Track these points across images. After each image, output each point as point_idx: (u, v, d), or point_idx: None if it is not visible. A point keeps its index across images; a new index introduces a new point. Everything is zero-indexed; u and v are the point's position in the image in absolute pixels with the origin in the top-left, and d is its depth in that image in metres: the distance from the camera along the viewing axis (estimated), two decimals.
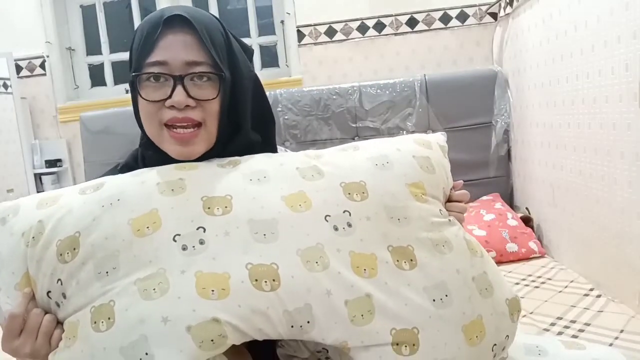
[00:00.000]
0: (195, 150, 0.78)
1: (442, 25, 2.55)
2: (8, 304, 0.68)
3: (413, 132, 2.27)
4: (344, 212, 0.72)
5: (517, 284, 1.62)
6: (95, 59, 2.86)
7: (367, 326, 0.66)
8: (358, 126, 2.28)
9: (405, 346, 0.66)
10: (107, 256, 0.66)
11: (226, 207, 0.69)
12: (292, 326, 0.65)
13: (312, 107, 2.28)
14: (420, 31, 2.56)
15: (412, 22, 2.56)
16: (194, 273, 0.63)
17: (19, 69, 2.72)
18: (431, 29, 2.56)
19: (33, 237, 0.68)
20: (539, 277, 1.67)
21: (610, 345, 1.15)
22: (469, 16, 2.53)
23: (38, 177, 2.76)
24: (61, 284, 0.67)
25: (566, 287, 1.56)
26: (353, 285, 0.66)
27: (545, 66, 1.84)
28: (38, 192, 2.73)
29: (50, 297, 0.68)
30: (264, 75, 2.75)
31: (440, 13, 2.54)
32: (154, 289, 0.62)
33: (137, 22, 2.78)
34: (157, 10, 0.80)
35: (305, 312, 0.64)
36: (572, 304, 1.42)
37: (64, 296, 0.67)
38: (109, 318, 0.62)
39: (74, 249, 0.66)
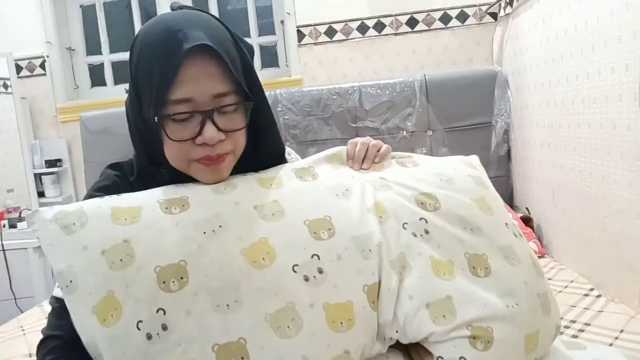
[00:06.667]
0: (223, 176, 0.75)
1: (442, 25, 2.55)
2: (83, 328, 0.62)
3: (413, 132, 2.28)
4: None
5: None
6: (95, 59, 2.86)
7: None
8: (358, 126, 2.28)
9: None
10: (225, 288, 0.62)
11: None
12: None
13: (312, 107, 2.28)
14: (420, 31, 2.56)
15: (412, 22, 2.56)
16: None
17: (19, 69, 2.72)
18: (431, 29, 2.56)
19: (121, 260, 0.63)
20: None
21: (610, 345, 1.15)
22: (469, 16, 2.53)
23: (38, 177, 2.75)
24: (164, 313, 0.61)
25: (566, 287, 1.56)
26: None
27: (545, 66, 1.84)
28: (38, 192, 2.74)
29: (139, 328, 0.61)
30: (264, 75, 2.75)
31: (440, 13, 2.54)
32: (288, 326, 0.61)
33: (137, 22, 2.75)
34: (164, 23, 0.71)
35: None
36: (572, 304, 1.42)
37: (165, 327, 0.61)
38: (242, 358, 0.59)
39: (182, 277, 0.62)
